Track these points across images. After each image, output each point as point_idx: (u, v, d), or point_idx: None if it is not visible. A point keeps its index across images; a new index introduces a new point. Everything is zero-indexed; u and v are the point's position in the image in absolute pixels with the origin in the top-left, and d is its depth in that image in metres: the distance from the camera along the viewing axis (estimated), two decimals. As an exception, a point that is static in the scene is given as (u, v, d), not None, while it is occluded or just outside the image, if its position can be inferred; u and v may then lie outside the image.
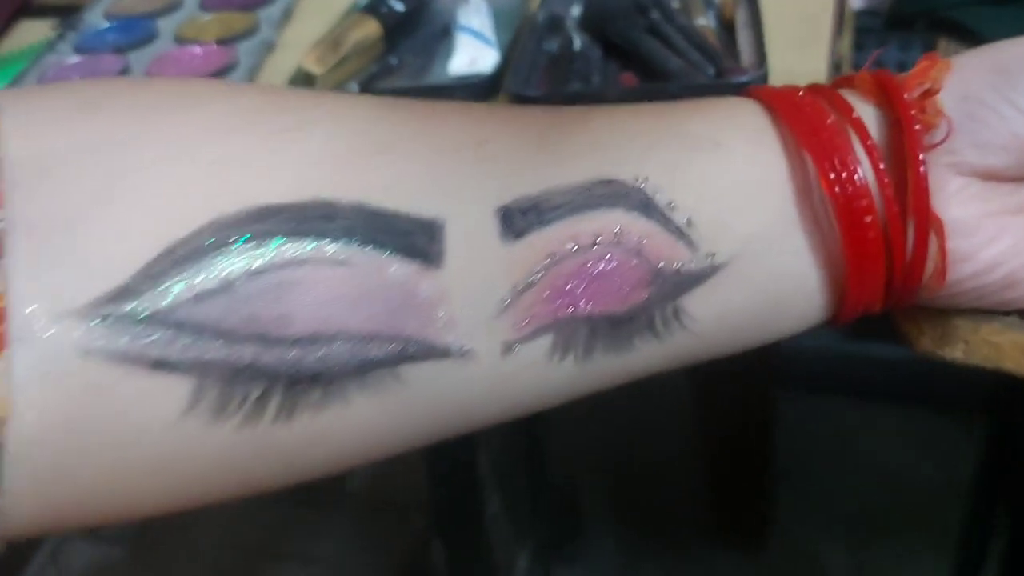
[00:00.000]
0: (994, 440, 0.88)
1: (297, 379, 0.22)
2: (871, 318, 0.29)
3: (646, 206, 0.25)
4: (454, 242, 0.23)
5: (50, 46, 0.62)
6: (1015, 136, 0.27)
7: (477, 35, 0.51)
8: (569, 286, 0.24)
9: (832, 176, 0.26)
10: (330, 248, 0.22)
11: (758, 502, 1.21)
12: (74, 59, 0.61)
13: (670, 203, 0.25)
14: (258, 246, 0.21)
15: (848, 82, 0.29)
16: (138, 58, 0.60)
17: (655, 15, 0.47)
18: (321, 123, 0.23)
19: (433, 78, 0.51)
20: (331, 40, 0.52)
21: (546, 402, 0.26)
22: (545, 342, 0.24)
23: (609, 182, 0.25)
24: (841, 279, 0.27)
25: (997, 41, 0.28)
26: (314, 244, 0.22)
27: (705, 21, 0.48)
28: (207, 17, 0.65)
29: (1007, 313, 0.29)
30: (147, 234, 0.21)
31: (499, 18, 0.55)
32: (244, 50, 0.59)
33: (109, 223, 0.21)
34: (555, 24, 0.50)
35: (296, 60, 0.55)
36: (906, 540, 1.14)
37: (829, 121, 0.27)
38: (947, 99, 0.27)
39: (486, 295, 0.23)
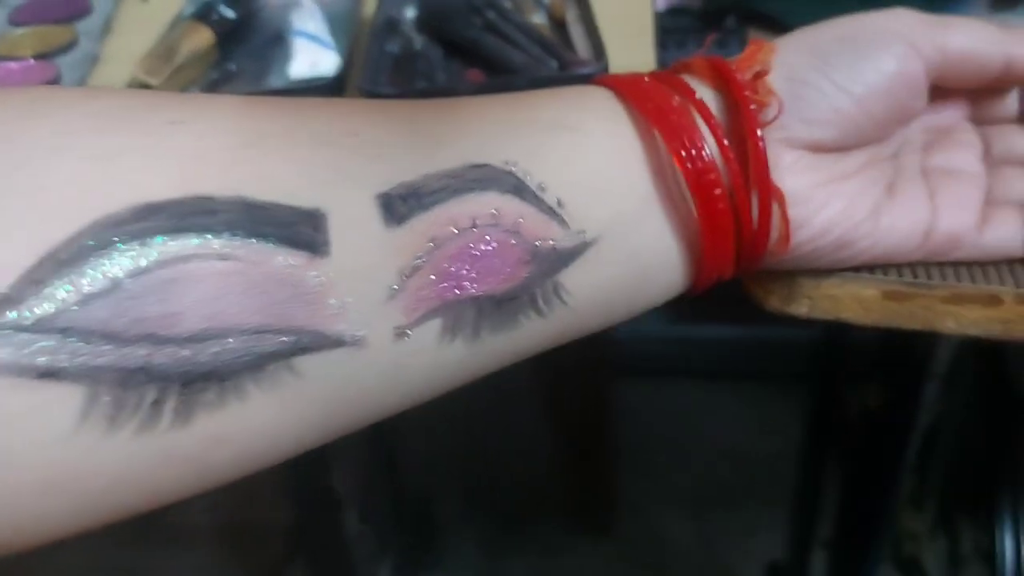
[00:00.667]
0: (816, 407, 0.94)
1: (191, 378, 0.21)
2: (698, 301, 0.32)
3: (518, 188, 0.26)
4: (338, 231, 0.23)
5: None
6: (836, 111, 0.30)
7: (314, 39, 0.51)
8: (454, 268, 0.25)
9: (683, 154, 0.28)
10: (214, 243, 0.21)
11: (606, 487, 1.25)
12: None
13: (540, 184, 0.26)
14: (141, 244, 0.21)
15: (686, 68, 0.31)
16: (-52, 76, 0.56)
17: (491, 14, 0.48)
18: (194, 120, 0.23)
19: (275, 82, 0.50)
20: (163, 50, 0.51)
21: (439, 387, 0.27)
22: (435, 325, 0.25)
23: (481, 167, 0.26)
24: (697, 249, 0.29)
25: (818, 24, 0.31)
26: (197, 240, 0.21)
27: (538, 19, 0.50)
28: (19, 32, 0.62)
29: (843, 270, 0.32)
30: (26, 239, 0.20)
31: (333, 22, 0.55)
32: (66, 64, 0.57)
33: None
34: (392, 26, 0.51)
35: (124, 72, 0.53)
36: (747, 510, 1.20)
37: (675, 103, 0.29)
38: (775, 80, 0.30)
39: (374, 281, 0.24)
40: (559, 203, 0.27)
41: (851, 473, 0.74)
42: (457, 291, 0.25)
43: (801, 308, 0.32)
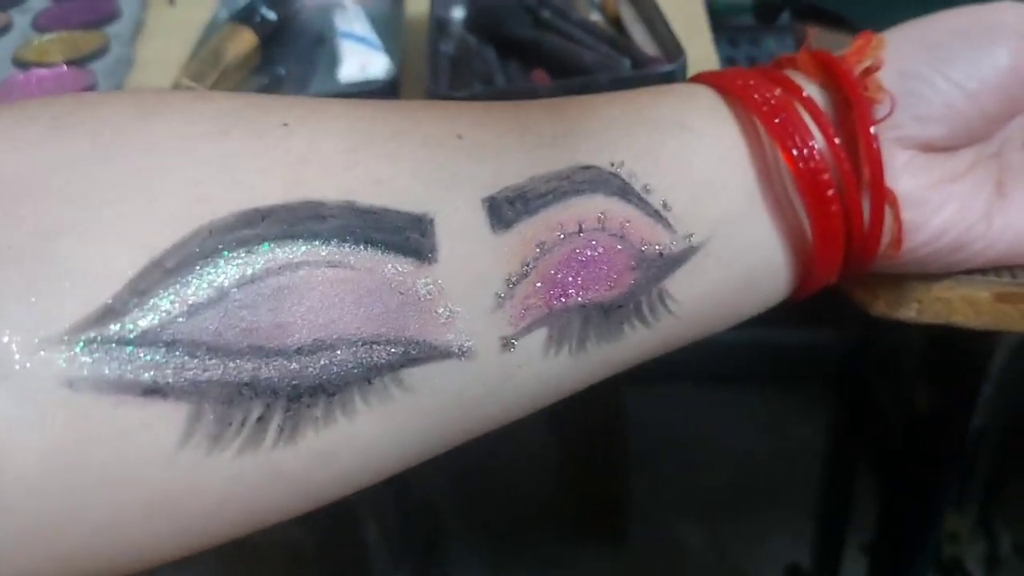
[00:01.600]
0: (847, 409, 0.92)
1: (298, 393, 0.20)
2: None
3: (624, 191, 0.25)
4: (446, 236, 0.22)
5: None
6: (949, 107, 0.28)
7: (362, 41, 0.50)
8: (560, 275, 0.24)
9: (794, 153, 0.27)
10: (323, 250, 0.21)
11: (616, 495, 1.23)
12: (-97, 90, 0.55)
13: (645, 186, 0.25)
14: (249, 252, 0.20)
15: (789, 63, 0.30)
16: (-22, 85, 0.55)
17: (546, 13, 0.47)
18: (301, 124, 0.22)
19: (323, 85, 0.49)
20: (208, 54, 0.50)
21: (541, 400, 0.25)
22: (541, 335, 0.24)
23: (588, 168, 0.25)
24: (804, 253, 0.28)
25: (923, 17, 0.30)
26: (306, 247, 0.20)
27: (595, 17, 0.49)
28: (46, 38, 0.60)
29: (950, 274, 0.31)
30: (129, 247, 0.19)
31: (375, 23, 0.54)
32: (101, 70, 0.55)
33: (87, 239, 0.19)
34: (441, 27, 0.49)
35: (162, 77, 0.52)
36: (759, 513, 1.18)
37: (782, 101, 0.28)
38: (885, 75, 0.29)
39: (482, 289, 0.23)
40: (665, 205, 0.26)
41: (893, 476, 0.73)
42: (563, 299, 0.24)
43: (909, 312, 0.31)
